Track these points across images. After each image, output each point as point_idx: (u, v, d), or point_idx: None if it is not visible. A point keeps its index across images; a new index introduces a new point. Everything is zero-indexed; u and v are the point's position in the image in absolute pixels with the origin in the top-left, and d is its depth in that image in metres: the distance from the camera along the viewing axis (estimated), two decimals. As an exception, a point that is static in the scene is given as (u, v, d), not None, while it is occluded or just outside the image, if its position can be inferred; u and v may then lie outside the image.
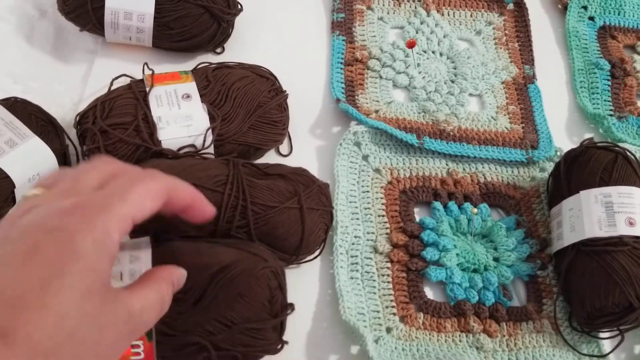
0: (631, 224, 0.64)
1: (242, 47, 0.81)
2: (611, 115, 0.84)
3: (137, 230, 0.58)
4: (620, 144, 0.77)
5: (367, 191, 0.72)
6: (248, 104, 0.67)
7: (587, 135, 0.83)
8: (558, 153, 0.78)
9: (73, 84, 0.75)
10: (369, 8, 0.88)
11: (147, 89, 0.66)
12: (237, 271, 0.54)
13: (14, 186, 0.60)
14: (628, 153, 0.69)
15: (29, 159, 0.61)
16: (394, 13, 0.89)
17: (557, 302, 0.68)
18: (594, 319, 0.64)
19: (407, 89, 0.82)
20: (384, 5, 0.89)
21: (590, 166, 0.68)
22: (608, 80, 0.87)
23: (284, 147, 0.75)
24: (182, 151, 0.65)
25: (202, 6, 0.72)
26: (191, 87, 0.67)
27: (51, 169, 0.63)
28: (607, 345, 0.66)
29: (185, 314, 0.53)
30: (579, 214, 0.66)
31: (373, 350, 0.60)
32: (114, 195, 0.41)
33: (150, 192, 0.43)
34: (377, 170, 0.74)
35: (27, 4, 0.79)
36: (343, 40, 0.84)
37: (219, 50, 0.80)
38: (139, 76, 0.71)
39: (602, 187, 0.66)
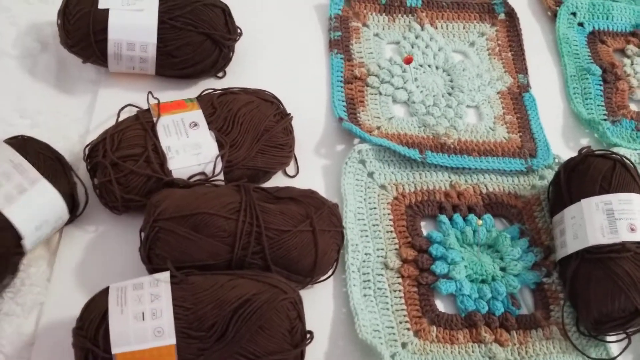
0: (632, 230, 0.66)
1: (243, 70, 0.82)
2: (605, 119, 0.86)
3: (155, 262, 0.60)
4: (617, 149, 0.79)
5: (374, 208, 0.74)
6: (255, 129, 0.69)
7: (583, 141, 0.85)
8: (556, 160, 0.80)
9: (78, 115, 0.75)
10: (364, 25, 0.90)
11: (155, 119, 0.67)
12: (257, 304, 0.55)
13: (20, 237, 0.60)
14: (626, 160, 0.71)
15: (38, 206, 0.61)
16: (389, 29, 0.90)
17: (564, 307, 0.69)
18: (601, 324, 0.66)
19: (406, 104, 0.84)
20: (378, 21, 0.91)
21: (589, 175, 0.70)
22: (600, 85, 0.89)
23: (290, 168, 0.76)
24: (192, 179, 0.66)
25: (204, 33, 0.73)
26: (198, 115, 0.68)
27: (59, 214, 0.63)
28: (614, 348, 0.68)
29: (208, 349, 0.54)
30: (581, 222, 0.68)
31: (390, 367, 0.62)
32: None
33: None
34: (382, 187, 0.75)
35: (28, 38, 0.80)
36: (341, 58, 0.85)
37: (220, 74, 0.81)
38: (143, 104, 0.72)
39: (602, 195, 0.68)
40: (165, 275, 0.57)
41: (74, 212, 0.66)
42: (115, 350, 0.53)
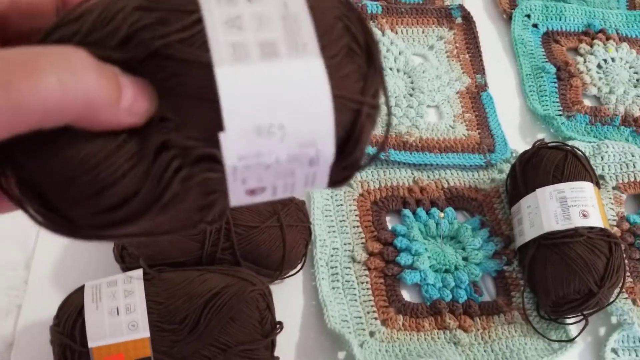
0: (585, 215, 0.70)
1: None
2: (560, 115, 0.90)
3: (128, 261, 0.62)
4: (571, 142, 0.83)
5: (341, 204, 0.77)
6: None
7: (540, 136, 0.89)
8: (513, 154, 0.84)
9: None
10: (327, 31, 0.93)
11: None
12: (227, 297, 0.58)
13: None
14: (577, 150, 0.75)
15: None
16: (351, 34, 0.94)
17: (525, 293, 0.73)
18: (559, 307, 0.69)
19: (369, 105, 0.87)
20: (341, 27, 0.94)
21: (543, 166, 0.74)
22: (555, 82, 0.93)
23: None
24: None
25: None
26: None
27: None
28: (574, 330, 0.71)
29: (181, 342, 0.57)
30: (537, 211, 0.72)
31: (359, 355, 0.64)
32: None
33: None
34: (348, 184, 0.79)
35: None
36: (305, 63, 0.88)
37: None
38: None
39: (555, 184, 0.72)
40: (138, 273, 0.60)
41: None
42: (91, 344, 0.55)
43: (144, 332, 0.56)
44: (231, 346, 0.58)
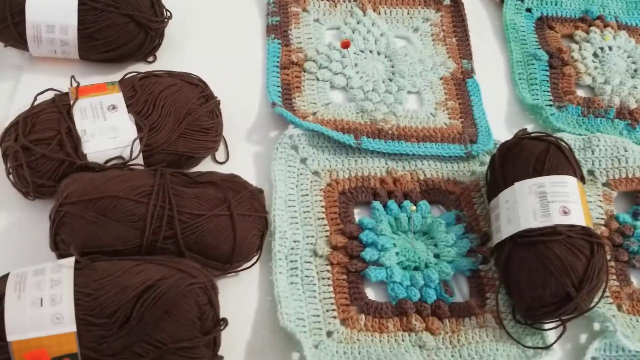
0: (565, 212, 0.64)
1: (174, 55, 0.80)
2: (550, 105, 0.84)
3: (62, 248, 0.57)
4: (559, 134, 0.77)
5: (306, 194, 0.71)
6: (176, 112, 0.66)
7: (527, 127, 0.83)
8: (497, 146, 0.78)
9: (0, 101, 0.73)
10: (304, 10, 0.88)
11: (72, 102, 0.65)
12: (162, 289, 0.53)
13: None
14: (561, 142, 0.69)
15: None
16: (330, 14, 0.88)
17: (500, 295, 0.67)
18: (534, 310, 0.64)
19: (344, 90, 0.82)
20: (319, 7, 0.89)
21: (523, 157, 0.68)
22: (546, 70, 0.87)
23: (220, 155, 0.74)
24: (109, 163, 0.64)
25: (127, 15, 0.71)
26: (117, 98, 0.66)
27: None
28: (552, 337, 0.66)
29: (111, 337, 0.52)
30: (515, 206, 0.66)
31: (311, 356, 0.59)
32: None
33: None
34: (315, 173, 0.73)
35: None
36: (278, 43, 0.83)
37: (150, 59, 0.78)
38: (66, 89, 0.69)
39: (535, 178, 0.66)
40: (70, 261, 0.55)
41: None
42: (10, 337, 0.51)
43: (70, 326, 0.52)
44: (166, 343, 0.53)
